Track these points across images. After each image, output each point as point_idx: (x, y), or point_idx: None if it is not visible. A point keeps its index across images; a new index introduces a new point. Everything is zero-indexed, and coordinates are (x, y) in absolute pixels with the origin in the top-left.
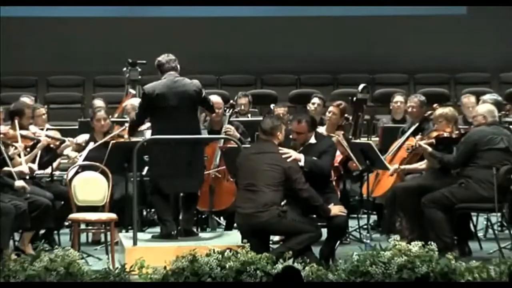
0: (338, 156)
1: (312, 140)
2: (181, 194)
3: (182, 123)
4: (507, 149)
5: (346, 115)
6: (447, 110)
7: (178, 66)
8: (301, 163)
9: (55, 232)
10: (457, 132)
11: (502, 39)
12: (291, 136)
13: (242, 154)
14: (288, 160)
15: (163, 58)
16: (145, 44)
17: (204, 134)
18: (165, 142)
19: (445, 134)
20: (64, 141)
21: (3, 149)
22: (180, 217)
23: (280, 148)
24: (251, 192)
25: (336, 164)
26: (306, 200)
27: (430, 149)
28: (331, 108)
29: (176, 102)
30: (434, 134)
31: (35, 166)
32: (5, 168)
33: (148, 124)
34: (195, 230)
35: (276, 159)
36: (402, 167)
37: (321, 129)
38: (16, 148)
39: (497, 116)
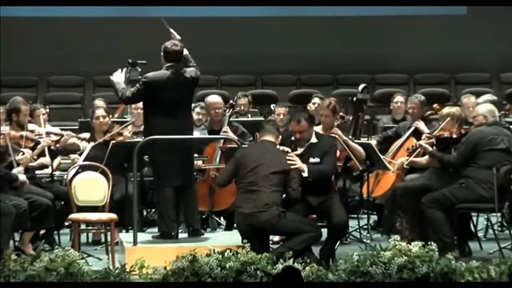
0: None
1: (313, 139)
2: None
3: (180, 117)
4: (508, 149)
5: (341, 113)
6: (454, 110)
7: (181, 58)
8: (305, 174)
9: (55, 232)
10: (457, 132)
11: (502, 39)
12: (293, 138)
13: (243, 153)
14: (292, 167)
15: (170, 47)
16: (145, 44)
17: (204, 134)
18: (167, 134)
19: (446, 134)
20: (62, 136)
21: (11, 152)
22: (183, 218)
23: (289, 154)
24: (252, 192)
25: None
26: (294, 201)
27: (430, 148)
28: (322, 111)
29: (176, 96)
30: (439, 133)
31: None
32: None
33: None
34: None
35: (278, 159)
36: (410, 159)
37: (317, 129)
38: (23, 153)
39: (497, 116)
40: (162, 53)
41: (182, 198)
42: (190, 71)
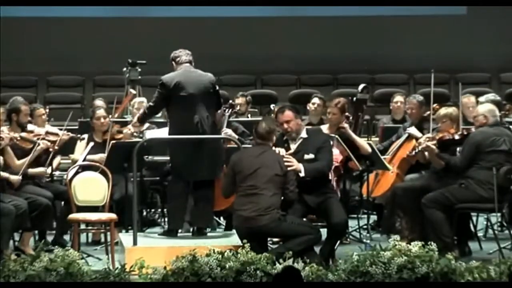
0: (339, 155)
1: (304, 134)
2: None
3: (200, 110)
4: (510, 151)
5: (347, 113)
6: (451, 110)
7: (193, 62)
8: (302, 174)
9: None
10: (459, 133)
11: (502, 39)
12: (285, 138)
13: (241, 156)
14: (289, 169)
15: (179, 51)
16: (145, 44)
17: None
18: (186, 130)
19: (447, 136)
20: (58, 136)
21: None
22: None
23: (286, 156)
24: (252, 195)
25: (337, 164)
26: (291, 203)
27: (436, 150)
28: (329, 109)
29: (193, 90)
30: (440, 135)
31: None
32: None
33: (148, 124)
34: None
35: (278, 162)
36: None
37: (323, 128)
38: (2, 139)
39: (498, 116)
40: (172, 61)
41: (198, 193)
42: (207, 75)
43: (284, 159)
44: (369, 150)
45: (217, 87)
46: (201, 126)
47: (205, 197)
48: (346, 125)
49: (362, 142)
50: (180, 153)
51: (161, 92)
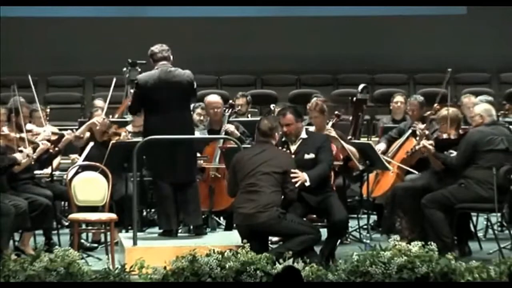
0: (339, 152)
1: (303, 135)
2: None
3: (175, 115)
4: (507, 150)
5: (337, 112)
6: (450, 111)
7: (171, 56)
8: (307, 183)
9: (55, 232)
10: (456, 133)
11: (502, 39)
12: (284, 139)
13: (242, 155)
14: (297, 184)
15: (156, 47)
16: (145, 44)
17: (204, 134)
18: (159, 134)
19: (444, 136)
20: (63, 136)
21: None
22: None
23: (292, 170)
24: (252, 193)
25: (337, 162)
26: (291, 201)
27: (433, 150)
28: (310, 114)
29: (169, 93)
30: (438, 134)
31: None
32: None
33: None
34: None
35: (277, 160)
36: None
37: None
38: (29, 156)
39: (494, 115)
40: (150, 58)
41: (181, 196)
42: (185, 74)
43: (292, 175)
44: (357, 156)
45: (195, 85)
46: (176, 130)
47: (189, 198)
48: (332, 133)
49: (350, 148)
50: (158, 156)
51: (136, 92)
